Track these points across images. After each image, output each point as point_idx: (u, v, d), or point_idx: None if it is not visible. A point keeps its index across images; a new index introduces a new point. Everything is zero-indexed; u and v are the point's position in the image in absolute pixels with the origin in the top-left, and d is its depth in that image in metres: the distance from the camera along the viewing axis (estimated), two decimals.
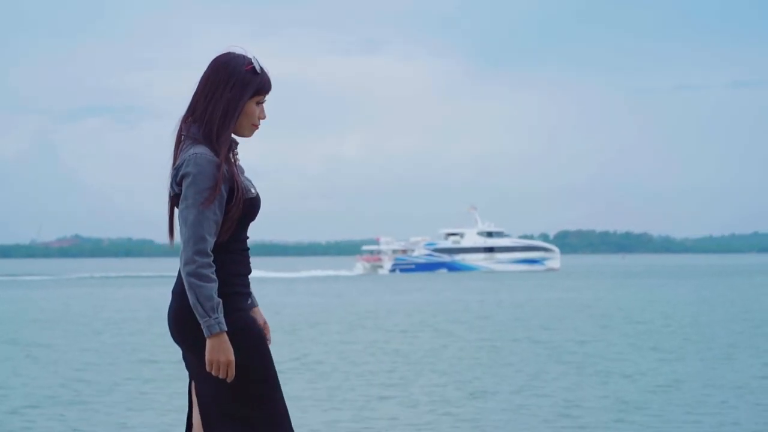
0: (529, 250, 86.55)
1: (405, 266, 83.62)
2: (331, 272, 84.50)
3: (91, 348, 20.07)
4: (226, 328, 3.72)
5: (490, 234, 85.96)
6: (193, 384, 3.90)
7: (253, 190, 3.87)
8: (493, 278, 66.70)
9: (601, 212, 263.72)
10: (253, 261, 4.05)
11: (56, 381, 14.75)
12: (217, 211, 3.74)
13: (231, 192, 3.78)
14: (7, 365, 16.92)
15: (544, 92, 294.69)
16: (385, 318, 28.94)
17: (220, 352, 3.70)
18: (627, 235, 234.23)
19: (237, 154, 3.89)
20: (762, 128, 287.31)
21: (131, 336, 22.95)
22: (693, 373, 15.05)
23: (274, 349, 3.94)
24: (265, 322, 4.00)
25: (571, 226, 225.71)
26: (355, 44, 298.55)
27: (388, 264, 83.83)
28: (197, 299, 3.69)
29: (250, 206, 3.85)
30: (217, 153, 3.77)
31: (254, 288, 4.03)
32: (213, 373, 3.73)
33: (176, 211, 3.83)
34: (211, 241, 3.73)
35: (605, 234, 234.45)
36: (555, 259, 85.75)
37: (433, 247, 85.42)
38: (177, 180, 3.78)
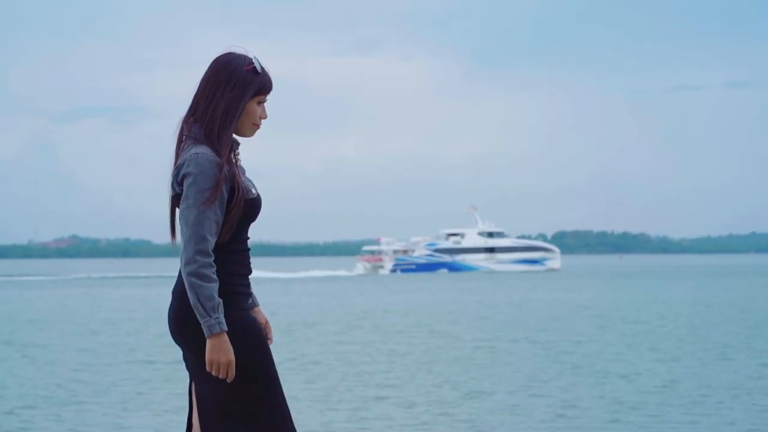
0: (529, 251, 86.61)
1: (406, 266, 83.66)
2: (329, 272, 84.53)
3: (87, 348, 20.07)
4: (226, 328, 3.72)
5: (490, 234, 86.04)
6: (193, 384, 3.91)
7: (253, 191, 3.87)
8: (493, 278, 66.73)
9: (600, 212, 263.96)
10: (252, 261, 4.06)
11: (53, 381, 14.75)
12: (218, 211, 3.75)
13: (232, 192, 3.79)
14: (4, 365, 16.92)
15: (542, 92, 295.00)
16: (382, 318, 28.95)
17: (220, 352, 3.71)
18: (624, 236, 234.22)
19: (238, 154, 3.90)
20: (761, 129, 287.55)
21: (128, 336, 22.95)
22: (689, 374, 15.06)
23: (272, 349, 3.95)
24: (266, 322, 4.00)
25: (570, 227, 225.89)
26: (353, 44, 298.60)
27: (389, 264, 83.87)
28: (198, 299, 3.69)
29: (251, 207, 3.85)
30: (218, 153, 3.77)
31: (252, 288, 4.03)
32: (213, 373, 3.73)
33: (177, 211, 3.84)
34: (212, 241, 3.73)
35: (603, 234, 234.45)
36: (555, 260, 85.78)
37: (433, 247, 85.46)
38: (178, 180, 3.78)
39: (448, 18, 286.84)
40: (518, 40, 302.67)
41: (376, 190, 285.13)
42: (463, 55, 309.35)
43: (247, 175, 3.93)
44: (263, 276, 69.72)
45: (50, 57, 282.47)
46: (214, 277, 3.72)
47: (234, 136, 3.87)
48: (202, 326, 3.71)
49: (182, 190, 3.76)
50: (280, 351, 18.45)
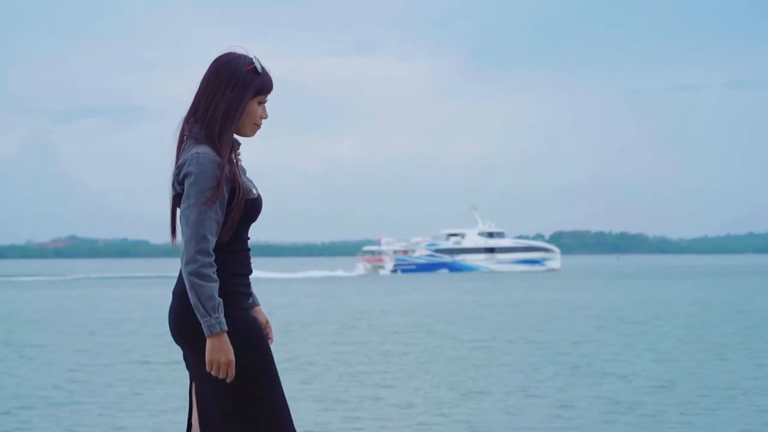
0: (529, 251, 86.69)
1: (406, 267, 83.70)
2: (327, 273, 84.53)
3: (85, 349, 20.06)
4: (226, 328, 3.73)
5: (491, 234, 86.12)
6: (193, 384, 3.91)
7: (254, 191, 3.88)
8: (493, 279, 66.75)
9: (598, 212, 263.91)
10: (251, 261, 4.06)
11: (50, 381, 14.74)
12: (219, 211, 3.75)
13: (232, 192, 3.79)
14: (1, 366, 16.91)
15: (542, 92, 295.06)
16: (379, 318, 28.95)
17: (220, 352, 3.71)
18: (622, 236, 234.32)
19: (239, 154, 3.90)
20: (760, 129, 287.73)
21: (126, 337, 22.94)
22: (687, 374, 15.07)
23: (271, 348, 3.95)
24: (267, 322, 4.02)
25: (568, 227, 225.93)
26: (353, 44, 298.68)
27: (389, 264, 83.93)
28: (198, 299, 3.70)
29: (252, 207, 3.86)
30: (219, 153, 3.78)
31: (252, 288, 4.03)
32: (213, 373, 3.74)
33: (178, 210, 3.84)
34: (213, 240, 3.74)
35: (600, 234, 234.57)
36: (555, 260, 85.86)
37: (434, 247, 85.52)
38: (179, 179, 3.79)
39: (448, 18, 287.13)
40: (518, 40, 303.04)
41: (375, 190, 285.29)
42: (463, 55, 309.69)
43: (248, 175, 3.93)
44: (261, 276, 69.70)
45: (50, 57, 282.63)
46: (215, 276, 3.72)
47: (235, 136, 3.88)
48: (203, 326, 3.71)
49: (183, 189, 3.76)
50: (277, 351, 18.41)
